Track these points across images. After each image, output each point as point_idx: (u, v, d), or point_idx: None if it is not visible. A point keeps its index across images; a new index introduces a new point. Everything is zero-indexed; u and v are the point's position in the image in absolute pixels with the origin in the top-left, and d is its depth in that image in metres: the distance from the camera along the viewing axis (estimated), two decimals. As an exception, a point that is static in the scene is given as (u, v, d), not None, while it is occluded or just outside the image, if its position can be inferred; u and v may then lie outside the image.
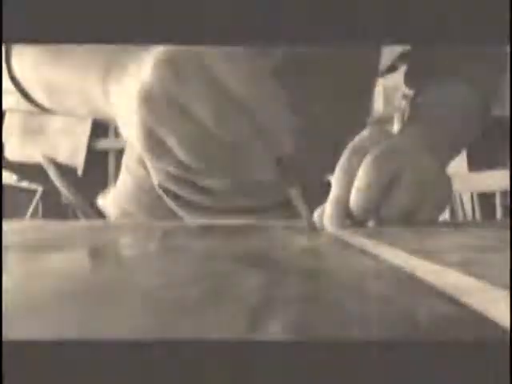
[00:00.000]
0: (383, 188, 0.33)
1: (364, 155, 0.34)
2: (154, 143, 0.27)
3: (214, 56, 0.26)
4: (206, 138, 0.26)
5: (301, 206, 0.32)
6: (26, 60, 0.42)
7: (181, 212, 0.61)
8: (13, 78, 0.44)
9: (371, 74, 0.62)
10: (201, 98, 0.25)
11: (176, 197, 0.60)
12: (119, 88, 0.30)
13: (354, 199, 0.33)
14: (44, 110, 0.47)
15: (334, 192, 0.35)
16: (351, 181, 0.34)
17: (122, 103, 0.29)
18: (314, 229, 0.32)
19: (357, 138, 0.37)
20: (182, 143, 0.26)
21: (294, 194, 0.32)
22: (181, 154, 0.26)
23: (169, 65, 0.25)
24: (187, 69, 0.25)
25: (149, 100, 0.25)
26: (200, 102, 0.25)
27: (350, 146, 0.37)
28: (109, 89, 0.31)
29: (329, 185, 0.39)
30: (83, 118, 2.54)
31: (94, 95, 0.34)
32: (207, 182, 0.58)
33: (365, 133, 0.38)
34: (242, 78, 0.26)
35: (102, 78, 0.32)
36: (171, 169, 0.29)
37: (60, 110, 0.45)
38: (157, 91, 0.25)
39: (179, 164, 0.28)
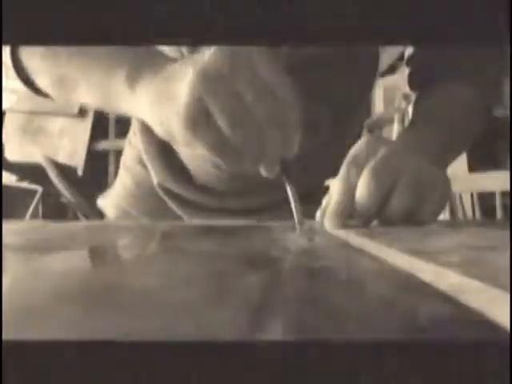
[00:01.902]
0: (383, 196, 0.34)
1: (362, 165, 0.35)
2: (200, 116, 0.29)
3: (257, 53, 0.29)
4: (246, 113, 0.29)
5: (295, 203, 0.33)
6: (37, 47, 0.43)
7: (180, 212, 0.61)
8: (15, 62, 0.44)
9: (371, 74, 0.62)
10: (247, 84, 0.29)
11: (176, 196, 0.60)
12: (157, 77, 0.32)
13: (357, 210, 0.34)
14: (43, 95, 0.47)
15: (334, 197, 0.35)
16: (351, 188, 0.35)
17: (161, 89, 0.32)
18: (302, 225, 0.32)
19: (354, 148, 0.38)
20: (227, 115, 0.29)
21: (292, 191, 0.34)
22: (223, 124, 0.29)
23: (226, 53, 0.29)
24: (239, 59, 0.29)
25: (207, 79, 0.29)
26: (245, 82, 0.29)
27: (349, 156, 0.37)
28: (139, 81, 0.34)
29: (327, 189, 0.39)
30: (83, 118, 2.54)
31: (117, 89, 0.36)
32: (207, 182, 0.58)
33: (362, 142, 0.38)
34: (278, 77, 0.29)
35: (130, 72, 0.34)
36: (201, 149, 0.31)
37: (65, 99, 0.46)
38: (214, 74, 0.29)
39: (215, 141, 0.30)
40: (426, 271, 0.14)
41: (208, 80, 0.29)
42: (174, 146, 0.57)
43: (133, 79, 0.34)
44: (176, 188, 0.60)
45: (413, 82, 0.59)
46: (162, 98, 0.32)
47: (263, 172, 0.33)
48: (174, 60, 0.33)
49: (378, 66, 0.62)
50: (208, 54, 0.29)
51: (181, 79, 0.30)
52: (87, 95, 0.40)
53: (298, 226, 0.32)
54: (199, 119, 0.29)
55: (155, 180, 0.60)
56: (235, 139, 0.30)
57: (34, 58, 0.43)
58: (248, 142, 0.30)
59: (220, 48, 0.29)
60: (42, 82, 0.45)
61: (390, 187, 0.34)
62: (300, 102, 0.31)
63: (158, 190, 0.61)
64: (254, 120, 0.29)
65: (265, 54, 0.29)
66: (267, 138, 0.30)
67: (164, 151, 0.59)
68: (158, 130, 0.33)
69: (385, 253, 0.18)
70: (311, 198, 0.49)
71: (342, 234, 0.29)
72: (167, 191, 0.60)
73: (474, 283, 0.12)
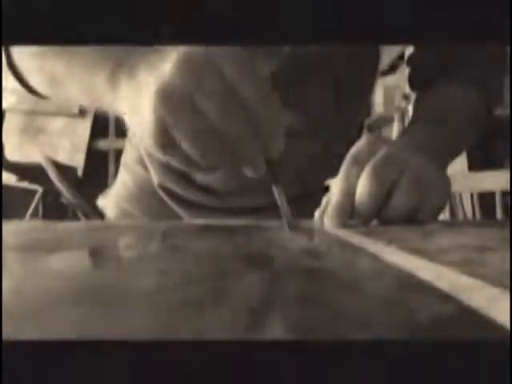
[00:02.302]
0: (383, 195, 0.34)
1: (362, 164, 0.35)
2: (166, 138, 0.29)
3: (223, 57, 0.27)
4: (213, 135, 0.28)
5: (282, 203, 0.33)
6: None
7: (180, 212, 0.61)
8: (10, 62, 0.44)
9: (370, 73, 0.62)
10: (211, 96, 0.27)
11: (176, 196, 0.60)
12: (131, 85, 0.31)
13: (357, 210, 0.34)
14: (38, 95, 0.47)
15: (334, 197, 0.35)
16: (351, 187, 0.35)
17: (133, 99, 0.31)
18: (292, 227, 0.32)
19: (355, 148, 0.38)
20: (192, 140, 0.28)
21: (278, 191, 0.33)
22: (189, 149, 0.28)
23: (189, 65, 0.27)
24: (203, 69, 0.27)
25: (168, 99, 0.27)
26: (209, 99, 0.27)
27: (349, 155, 0.37)
28: (119, 84, 0.33)
29: (327, 189, 0.39)
30: (83, 118, 2.54)
31: (100, 88, 0.35)
32: (207, 182, 0.58)
33: (362, 142, 0.38)
34: (246, 79, 0.28)
35: (112, 73, 0.33)
36: (175, 163, 0.31)
37: (57, 98, 0.46)
38: (176, 90, 0.27)
39: (182, 158, 0.30)
40: (427, 271, 0.14)
41: (169, 98, 0.27)
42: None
43: (113, 81, 0.33)
44: (176, 188, 0.60)
45: (413, 81, 0.59)
46: (133, 109, 0.31)
47: (247, 172, 0.32)
48: (150, 60, 0.31)
49: (378, 65, 0.62)
50: (170, 65, 0.28)
51: (145, 94, 0.29)
52: (75, 93, 0.40)
53: (287, 228, 0.32)
54: (165, 140, 0.29)
55: (155, 180, 0.60)
56: (203, 160, 0.29)
57: (25, 57, 0.43)
58: (219, 161, 0.29)
59: (183, 59, 0.27)
60: (34, 80, 0.45)
61: (391, 186, 0.34)
62: (279, 102, 0.29)
63: (159, 190, 0.61)
64: (222, 139, 0.28)
65: (235, 60, 0.27)
66: (241, 149, 0.29)
67: None
68: (136, 130, 0.33)
69: (385, 252, 0.18)
70: (311, 197, 0.49)
71: (342, 233, 0.29)
72: (167, 191, 0.60)
73: (474, 283, 0.12)
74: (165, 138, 0.29)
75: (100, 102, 0.37)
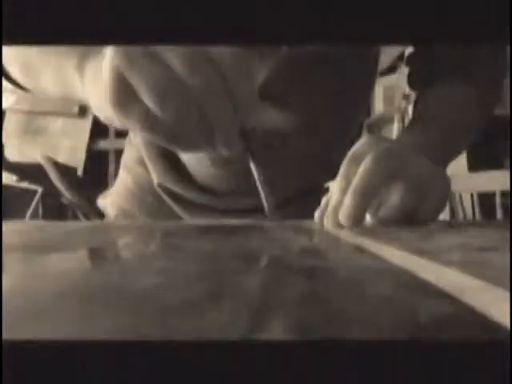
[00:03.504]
0: (381, 183, 0.34)
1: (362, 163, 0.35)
2: (124, 91, 0.27)
3: None
4: (175, 85, 0.26)
5: (262, 185, 0.31)
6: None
7: (180, 212, 0.61)
8: None
9: (370, 73, 0.62)
10: (174, 48, 0.26)
11: (175, 196, 0.60)
12: (95, 65, 0.30)
13: (351, 197, 0.33)
14: (19, 87, 0.47)
15: (334, 196, 0.35)
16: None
17: (96, 75, 0.30)
18: (275, 218, 0.31)
19: (355, 147, 0.38)
20: (152, 89, 0.26)
21: (258, 170, 0.31)
22: (149, 100, 0.26)
23: None
24: None
25: (125, 50, 0.26)
26: (173, 51, 0.26)
27: (349, 155, 0.37)
28: (85, 70, 0.32)
29: (327, 189, 0.39)
30: (83, 118, 2.54)
31: (70, 76, 0.35)
32: (207, 182, 0.58)
33: (362, 141, 0.38)
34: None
35: (79, 61, 0.33)
36: (136, 127, 0.28)
37: (33, 87, 0.45)
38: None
39: (143, 119, 0.27)
40: (427, 271, 0.14)
41: (130, 51, 0.26)
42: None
43: (81, 68, 0.33)
44: (176, 188, 0.60)
45: (412, 81, 0.59)
46: (95, 84, 0.30)
47: (222, 150, 0.29)
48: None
49: (377, 65, 0.62)
50: None
51: (106, 58, 0.27)
52: (49, 82, 0.40)
53: (269, 212, 0.31)
54: (123, 96, 0.26)
55: (155, 180, 0.61)
56: (164, 115, 0.26)
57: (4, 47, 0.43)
58: (182, 117, 0.27)
59: None
60: (12, 71, 0.45)
61: (390, 178, 0.34)
62: (250, 69, 0.28)
63: (159, 190, 0.61)
64: (186, 92, 0.26)
65: None
66: (209, 109, 0.27)
67: (164, 151, 0.59)
68: (101, 117, 0.31)
69: (385, 252, 0.18)
70: (311, 197, 0.49)
71: (342, 233, 0.29)
72: (167, 191, 0.60)
73: (475, 283, 0.12)
74: (121, 90, 0.26)
75: (71, 90, 0.36)
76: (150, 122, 0.27)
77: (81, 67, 0.33)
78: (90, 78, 0.31)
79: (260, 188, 0.31)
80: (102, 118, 0.31)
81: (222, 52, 0.26)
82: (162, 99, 0.26)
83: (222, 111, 0.27)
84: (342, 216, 0.33)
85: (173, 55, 0.25)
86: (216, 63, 0.26)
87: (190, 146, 0.29)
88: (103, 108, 0.29)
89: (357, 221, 0.32)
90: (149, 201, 0.63)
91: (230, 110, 0.27)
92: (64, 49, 0.35)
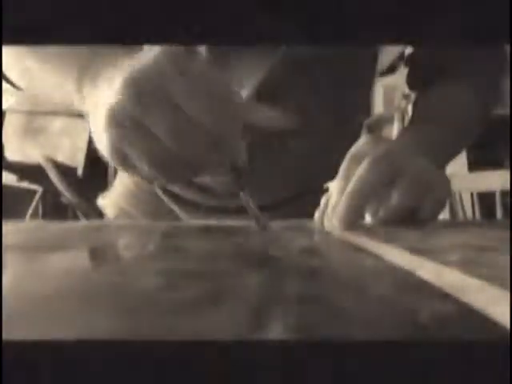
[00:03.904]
0: (380, 184, 0.34)
1: (362, 162, 0.35)
2: (121, 158, 0.29)
3: (171, 76, 0.27)
4: (164, 154, 0.28)
5: (251, 208, 0.33)
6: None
7: (179, 212, 0.61)
8: None
9: (369, 73, 0.62)
10: (159, 117, 0.27)
11: (175, 196, 0.60)
12: (93, 90, 0.31)
13: (348, 196, 0.33)
14: (19, 88, 0.47)
15: (334, 196, 0.35)
16: None
17: (95, 107, 0.30)
18: (264, 229, 0.32)
19: (354, 147, 0.38)
20: (143, 159, 0.28)
21: (244, 198, 0.33)
22: (143, 168, 0.29)
23: (134, 90, 0.27)
24: (148, 89, 0.27)
25: (115, 121, 0.28)
26: (159, 121, 0.27)
27: (348, 155, 0.37)
28: (83, 86, 0.33)
29: (327, 189, 0.39)
30: (83, 118, 2.54)
31: (68, 87, 0.35)
32: (206, 182, 0.58)
33: (362, 141, 0.38)
34: (195, 96, 0.27)
35: (78, 76, 0.33)
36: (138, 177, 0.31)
37: (33, 92, 0.46)
38: (122, 113, 0.27)
39: (143, 175, 0.30)
40: (427, 270, 0.14)
41: (118, 122, 0.27)
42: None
43: (79, 84, 0.33)
44: (175, 188, 0.60)
45: (412, 81, 0.59)
46: (93, 121, 0.30)
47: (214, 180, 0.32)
48: (109, 73, 0.30)
49: (376, 65, 0.62)
50: (139, 58, 0.27)
51: (109, 87, 0.28)
52: (47, 88, 0.40)
53: (257, 225, 0.32)
54: (122, 160, 0.29)
55: (155, 180, 0.60)
56: (161, 180, 0.29)
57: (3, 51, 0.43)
58: (177, 179, 0.30)
59: (128, 84, 0.27)
60: (11, 75, 0.45)
61: (389, 180, 0.34)
62: (244, 108, 0.30)
63: (158, 189, 0.61)
64: (195, 130, 0.27)
65: (185, 75, 0.27)
66: (208, 146, 0.28)
67: None
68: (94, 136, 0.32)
69: (385, 252, 0.18)
70: (310, 198, 0.49)
71: (342, 233, 0.29)
72: (166, 191, 0.60)
73: (475, 282, 0.12)
74: (119, 157, 0.29)
75: (70, 101, 0.36)
76: (147, 179, 0.31)
77: (80, 84, 0.33)
78: (90, 105, 0.32)
79: (250, 211, 0.33)
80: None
81: (202, 110, 0.27)
82: (154, 167, 0.28)
83: (212, 164, 0.30)
84: (335, 218, 0.33)
85: (158, 125, 0.27)
86: (200, 124, 0.27)
87: (177, 179, 0.32)
88: (101, 148, 0.31)
89: (349, 224, 0.32)
90: (148, 201, 0.63)
91: (220, 160, 0.30)
92: (63, 61, 0.36)
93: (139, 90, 0.27)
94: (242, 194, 0.33)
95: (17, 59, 0.42)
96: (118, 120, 0.27)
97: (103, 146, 0.29)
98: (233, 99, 0.29)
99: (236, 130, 0.29)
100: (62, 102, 0.41)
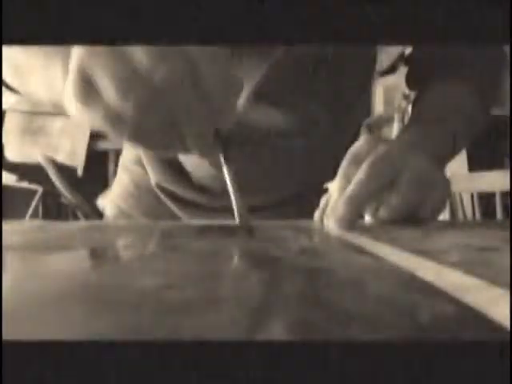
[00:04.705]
0: (379, 187, 0.34)
1: (361, 163, 0.35)
2: (86, 88, 0.26)
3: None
4: (138, 80, 0.25)
5: (233, 189, 0.30)
6: None
7: (178, 211, 0.61)
8: None
9: (368, 73, 0.62)
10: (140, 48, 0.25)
11: (173, 196, 0.60)
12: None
13: (349, 193, 0.33)
14: (12, 90, 0.47)
15: (334, 195, 0.35)
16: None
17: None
18: (245, 224, 0.30)
19: (354, 147, 0.38)
20: (113, 84, 0.25)
21: (230, 173, 0.29)
22: (111, 96, 0.25)
23: None
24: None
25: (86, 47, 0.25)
26: (139, 50, 0.25)
27: (348, 154, 0.37)
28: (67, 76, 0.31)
29: (326, 190, 0.39)
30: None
31: (57, 80, 0.34)
32: (205, 181, 0.58)
33: (361, 141, 0.38)
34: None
35: (65, 63, 0.32)
36: (99, 123, 0.27)
37: (24, 91, 0.45)
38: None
39: (107, 114, 0.26)
40: (427, 271, 0.14)
41: (94, 50, 0.25)
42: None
43: (66, 68, 0.31)
44: (174, 187, 0.60)
45: (411, 81, 0.59)
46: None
47: (195, 152, 0.28)
48: None
49: (375, 65, 0.62)
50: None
51: (73, 57, 0.27)
52: (38, 86, 0.39)
53: (238, 217, 0.29)
54: (85, 93, 0.26)
55: (153, 180, 0.61)
56: (126, 111, 0.25)
57: None
58: (144, 113, 0.25)
59: None
60: (6, 75, 0.44)
61: (389, 181, 0.34)
62: (225, 64, 0.26)
63: (157, 189, 0.61)
64: (149, 86, 0.25)
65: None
66: (177, 105, 0.26)
67: None
68: (69, 112, 0.30)
69: (385, 252, 0.18)
70: (310, 198, 0.49)
71: (342, 233, 0.29)
72: (165, 191, 0.60)
73: (475, 283, 0.12)
74: (85, 90, 0.26)
75: (58, 95, 0.34)
76: (111, 119, 0.26)
77: (67, 67, 0.31)
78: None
79: (231, 193, 0.29)
80: (72, 115, 0.30)
81: (196, 51, 0.25)
82: (123, 94, 0.25)
83: (192, 108, 0.26)
84: (335, 219, 0.33)
85: (137, 48, 0.25)
86: (184, 53, 0.25)
87: (158, 146, 0.28)
88: (67, 104, 0.28)
89: (349, 225, 0.32)
90: (147, 200, 0.63)
91: (202, 107, 0.26)
92: (50, 52, 0.34)
93: None
94: (225, 167, 0.29)
95: (7, 57, 0.41)
96: (93, 48, 0.25)
97: (70, 83, 0.27)
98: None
99: (228, 93, 0.26)
100: (51, 100, 0.39)
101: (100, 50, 0.25)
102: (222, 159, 0.29)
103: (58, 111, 2.47)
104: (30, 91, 0.42)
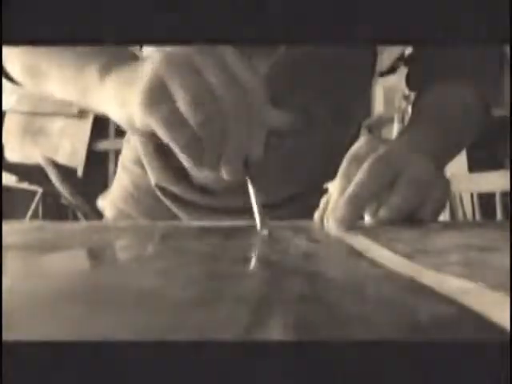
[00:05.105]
0: (380, 187, 0.34)
1: (361, 163, 0.35)
2: (157, 91, 0.29)
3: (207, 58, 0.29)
4: (209, 96, 0.28)
5: (257, 206, 0.32)
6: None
7: (178, 211, 0.61)
8: None
9: (369, 73, 0.62)
10: (213, 69, 0.28)
11: (173, 196, 0.60)
12: (120, 77, 0.32)
13: (348, 200, 0.33)
14: (16, 84, 0.47)
15: (334, 195, 0.35)
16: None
17: (122, 91, 0.31)
18: (266, 229, 0.31)
19: (354, 146, 0.38)
20: (189, 94, 0.28)
21: (255, 193, 0.32)
22: (184, 103, 0.28)
23: (171, 64, 0.28)
24: (203, 54, 0.28)
25: (170, 56, 0.28)
26: (209, 64, 0.28)
27: (348, 155, 0.37)
28: (109, 75, 0.34)
29: (326, 190, 0.39)
30: (83, 118, 2.54)
31: (88, 80, 0.36)
32: (205, 182, 0.58)
33: (361, 141, 0.38)
34: (230, 81, 0.28)
35: (104, 65, 0.34)
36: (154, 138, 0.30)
37: (37, 90, 0.46)
38: (177, 54, 0.28)
39: (172, 117, 0.29)
40: (427, 271, 0.14)
41: (172, 60, 0.28)
42: (133, 135, 0.56)
43: (104, 73, 0.34)
44: (173, 188, 0.60)
45: (411, 81, 0.59)
46: (126, 83, 0.31)
47: (223, 172, 0.32)
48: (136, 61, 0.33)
49: (376, 65, 0.62)
50: (155, 64, 0.29)
51: (147, 64, 0.30)
52: (58, 87, 0.40)
53: (260, 230, 0.31)
54: (156, 93, 0.29)
55: (153, 180, 0.60)
56: (194, 119, 0.28)
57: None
58: (209, 126, 0.29)
59: (166, 59, 0.28)
60: (11, 68, 0.45)
61: (389, 182, 0.34)
62: (269, 105, 0.30)
63: (156, 190, 0.61)
64: (217, 104, 0.28)
65: (237, 53, 0.28)
66: (231, 129, 0.29)
67: (162, 151, 0.59)
68: (118, 116, 0.33)
69: (385, 253, 0.18)
70: (310, 198, 0.49)
71: (342, 233, 0.29)
72: (165, 191, 0.60)
73: (474, 283, 0.12)
74: (156, 95, 0.29)
75: (86, 94, 0.37)
76: (173, 123, 0.29)
77: (103, 74, 0.34)
78: (115, 83, 0.33)
79: (255, 210, 0.32)
80: (121, 119, 0.33)
81: (253, 81, 0.29)
82: (196, 107, 0.28)
83: (242, 136, 0.30)
84: (335, 219, 0.33)
85: (212, 71, 0.28)
86: (247, 90, 0.29)
87: (196, 159, 0.31)
88: (125, 107, 0.31)
89: (349, 226, 0.32)
90: (146, 201, 0.63)
91: (248, 136, 0.30)
92: (84, 56, 0.36)
93: (175, 64, 0.28)
94: (250, 188, 0.32)
95: (18, 54, 0.42)
96: (173, 56, 0.28)
97: (137, 91, 0.29)
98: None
99: (260, 124, 0.30)
100: (64, 99, 0.42)
101: (178, 61, 0.28)
102: (249, 183, 0.32)
103: (68, 111, 2.48)
104: (46, 91, 0.43)
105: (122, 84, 0.32)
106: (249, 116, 0.29)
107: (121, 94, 0.32)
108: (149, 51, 0.40)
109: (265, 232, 0.30)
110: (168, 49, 0.29)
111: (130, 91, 0.31)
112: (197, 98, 0.28)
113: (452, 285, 0.12)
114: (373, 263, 0.17)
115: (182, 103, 0.28)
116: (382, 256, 0.18)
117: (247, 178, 0.32)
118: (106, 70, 0.34)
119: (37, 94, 0.48)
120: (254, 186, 0.32)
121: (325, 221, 0.35)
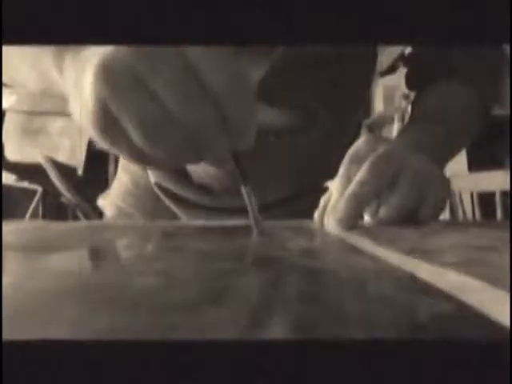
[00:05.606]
0: (380, 186, 0.34)
1: (362, 163, 0.35)
2: (108, 122, 0.24)
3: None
4: (167, 123, 0.23)
5: (250, 203, 0.30)
6: None
7: (178, 211, 0.61)
8: None
9: (369, 72, 0.62)
10: (167, 79, 0.23)
11: (173, 195, 0.60)
12: (75, 62, 0.28)
13: (348, 199, 0.33)
14: (6, 85, 0.46)
15: (334, 195, 0.35)
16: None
17: (75, 77, 0.27)
18: (261, 230, 0.30)
19: (354, 147, 0.38)
20: (140, 127, 0.23)
21: (247, 192, 0.29)
22: (136, 135, 0.24)
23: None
24: (156, 51, 0.24)
25: (107, 71, 0.23)
26: (166, 84, 0.23)
27: (349, 154, 0.37)
28: (63, 63, 0.30)
29: (326, 190, 0.39)
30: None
31: (48, 69, 0.32)
32: (204, 181, 0.58)
33: (361, 141, 0.38)
34: (215, 66, 0.24)
35: (58, 52, 0.30)
36: (124, 155, 0.26)
37: (11, 82, 0.44)
38: (118, 64, 0.23)
39: (133, 151, 0.25)
40: (427, 271, 0.14)
41: (111, 74, 0.23)
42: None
43: (59, 59, 0.30)
44: (173, 187, 0.60)
45: (411, 81, 0.59)
46: (76, 90, 0.27)
47: (208, 162, 0.27)
48: None
49: (376, 64, 0.62)
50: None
51: (87, 70, 0.25)
52: (28, 78, 0.38)
53: (255, 228, 0.30)
54: (108, 125, 0.24)
55: (152, 179, 0.61)
56: (154, 153, 0.24)
57: None
58: (173, 155, 0.25)
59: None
60: None
61: (389, 181, 0.34)
62: (252, 94, 0.25)
63: (156, 189, 0.61)
64: (178, 130, 0.24)
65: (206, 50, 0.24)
66: (203, 145, 0.25)
67: None
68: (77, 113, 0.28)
69: (385, 252, 0.18)
70: (309, 197, 0.49)
71: (342, 233, 0.29)
72: (165, 191, 0.60)
73: (475, 283, 0.12)
74: (105, 120, 0.24)
75: (50, 84, 0.33)
76: (137, 156, 0.26)
77: (60, 59, 0.30)
78: (71, 76, 0.28)
79: (249, 207, 0.30)
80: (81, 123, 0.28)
81: (215, 77, 0.24)
82: (152, 138, 0.24)
83: (216, 145, 0.25)
84: (335, 219, 0.33)
85: (162, 85, 0.23)
86: (210, 93, 0.24)
87: (178, 165, 0.28)
88: (83, 120, 0.27)
89: (349, 225, 0.32)
90: (146, 200, 0.63)
91: (225, 141, 0.25)
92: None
93: (145, 49, 0.23)
94: (243, 188, 0.29)
95: None
96: (112, 69, 0.23)
97: (87, 111, 0.25)
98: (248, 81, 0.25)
99: (246, 113, 0.25)
100: (45, 91, 0.37)
101: (123, 82, 0.23)
102: (239, 176, 0.29)
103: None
104: (20, 83, 0.41)
105: (73, 88, 0.28)
106: (224, 121, 0.25)
107: (74, 106, 0.28)
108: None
109: (261, 236, 0.29)
110: (108, 51, 0.24)
111: (80, 110, 0.26)
112: (150, 129, 0.23)
113: (452, 281, 0.12)
114: (373, 261, 0.17)
115: (135, 138, 0.24)
116: (382, 254, 0.18)
117: (238, 174, 0.29)
118: (60, 55, 0.30)
119: (17, 88, 0.45)
120: (246, 182, 0.29)
121: (325, 220, 0.35)
